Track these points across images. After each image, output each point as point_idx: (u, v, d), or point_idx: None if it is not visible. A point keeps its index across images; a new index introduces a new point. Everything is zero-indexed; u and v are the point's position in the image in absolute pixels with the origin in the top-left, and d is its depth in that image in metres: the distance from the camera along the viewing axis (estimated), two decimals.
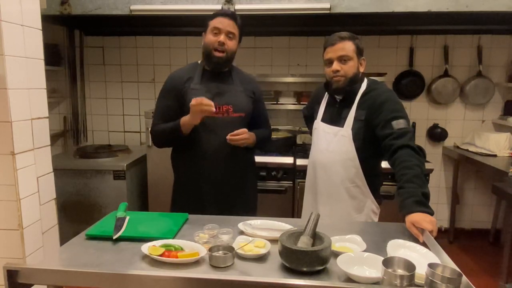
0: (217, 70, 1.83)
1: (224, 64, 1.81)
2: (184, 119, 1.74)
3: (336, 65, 1.69)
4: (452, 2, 2.51)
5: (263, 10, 2.62)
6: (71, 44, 3.43)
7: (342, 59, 1.68)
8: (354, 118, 1.71)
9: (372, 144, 1.69)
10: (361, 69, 1.75)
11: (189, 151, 1.83)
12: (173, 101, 1.83)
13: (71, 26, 3.38)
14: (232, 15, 1.79)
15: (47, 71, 1.71)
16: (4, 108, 1.45)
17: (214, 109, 1.66)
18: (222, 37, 1.75)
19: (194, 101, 1.65)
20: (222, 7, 2.61)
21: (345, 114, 1.74)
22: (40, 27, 1.66)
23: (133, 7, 2.67)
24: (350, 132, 1.70)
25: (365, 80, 1.78)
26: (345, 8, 2.57)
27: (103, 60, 3.54)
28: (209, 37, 1.78)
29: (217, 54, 1.76)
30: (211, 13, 1.82)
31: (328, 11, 2.57)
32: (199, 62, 1.90)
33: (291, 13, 2.62)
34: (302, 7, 2.59)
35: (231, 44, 1.78)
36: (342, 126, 1.73)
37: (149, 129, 1.93)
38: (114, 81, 3.55)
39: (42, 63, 1.68)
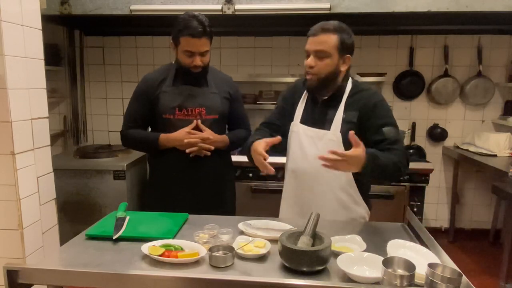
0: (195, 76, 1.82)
1: (202, 74, 1.81)
2: (166, 138, 1.79)
3: (310, 60, 1.49)
4: (452, 2, 2.51)
5: (263, 10, 2.62)
6: (71, 44, 3.42)
7: (319, 54, 1.48)
8: (343, 120, 1.54)
9: None
10: (343, 67, 1.53)
11: (163, 153, 1.85)
12: (144, 105, 1.84)
13: (71, 26, 3.38)
14: (202, 33, 1.68)
15: (47, 71, 1.71)
16: (4, 108, 1.45)
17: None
18: (197, 60, 1.73)
19: (186, 137, 1.74)
20: (222, 8, 2.61)
21: (331, 116, 1.56)
22: (40, 27, 1.66)
23: (133, 7, 2.67)
24: (339, 135, 1.52)
25: (350, 79, 1.61)
26: (345, 8, 2.57)
27: (103, 60, 3.53)
28: (183, 57, 1.74)
29: (194, 70, 1.76)
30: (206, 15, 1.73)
31: (328, 11, 2.56)
32: (173, 62, 1.87)
33: (291, 13, 2.62)
34: (302, 7, 2.59)
35: (205, 59, 1.76)
36: (328, 129, 1.55)
37: (121, 130, 1.93)
38: (114, 81, 3.55)
39: (42, 63, 1.68)
